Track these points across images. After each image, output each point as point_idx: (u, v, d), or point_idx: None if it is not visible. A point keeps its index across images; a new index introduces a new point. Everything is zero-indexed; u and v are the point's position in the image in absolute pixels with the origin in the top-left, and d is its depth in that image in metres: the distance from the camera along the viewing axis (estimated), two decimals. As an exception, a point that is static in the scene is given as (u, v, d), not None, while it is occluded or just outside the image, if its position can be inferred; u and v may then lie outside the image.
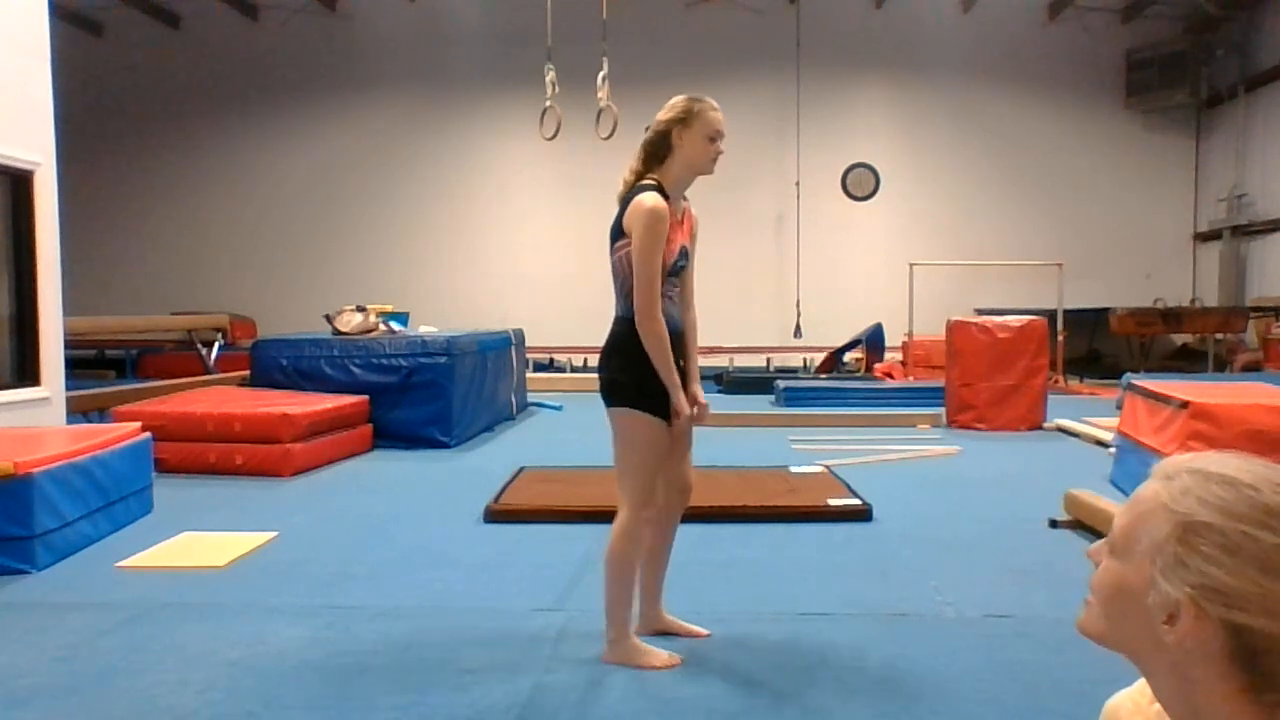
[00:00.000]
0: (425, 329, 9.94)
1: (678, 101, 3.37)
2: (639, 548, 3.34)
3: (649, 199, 3.22)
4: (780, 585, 4.17)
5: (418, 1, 17.19)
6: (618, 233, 3.34)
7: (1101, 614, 1.06)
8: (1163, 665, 1.00)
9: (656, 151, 3.33)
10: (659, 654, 3.26)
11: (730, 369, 15.48)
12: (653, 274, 3.20)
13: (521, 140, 15.59)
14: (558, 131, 10.55)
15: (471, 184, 17.60)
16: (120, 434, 5.44)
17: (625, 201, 3.33)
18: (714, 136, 3.31)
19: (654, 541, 3.50)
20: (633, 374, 3.25)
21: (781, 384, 12.09)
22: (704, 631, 3.51)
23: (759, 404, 11.72)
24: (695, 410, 3.37)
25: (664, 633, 3.49)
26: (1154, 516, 1.01)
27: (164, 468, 6.40)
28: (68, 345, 7.19)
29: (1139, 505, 1.04)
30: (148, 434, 5.69)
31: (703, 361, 14.38)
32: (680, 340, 3.37)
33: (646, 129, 3.40)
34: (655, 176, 3.31)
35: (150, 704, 2.92)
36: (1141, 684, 1.15)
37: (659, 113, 3.38)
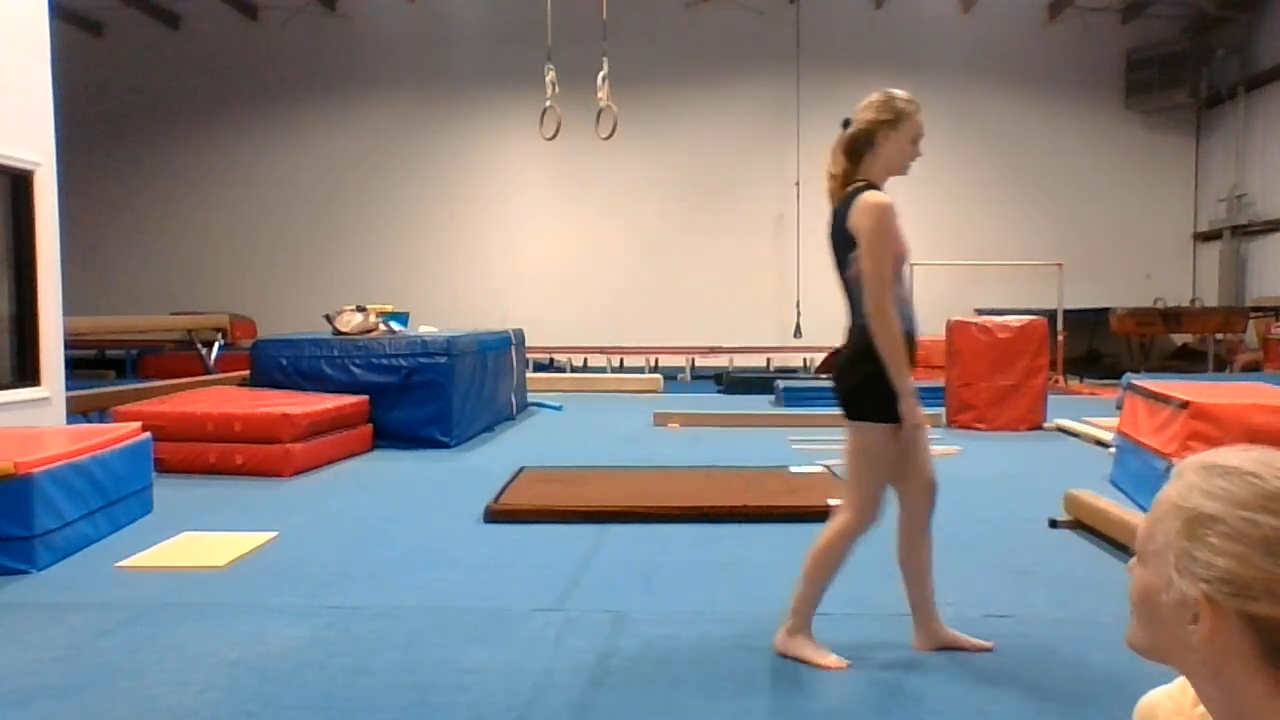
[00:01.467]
0: (425, 329, 9.94)
1: (886, 100, 3.26)
2: (845, 555, 3.28)
3: (876, 195, 3.16)
4: (780, 585, 4.15)
5: (418, 1, 17.20)
6: (848, 243, 3.18)
7: (1137, 624, 1.07)
8: (1199, 669, 1.01)
9: (857, 148, 3.24)
10: (829, 655, 3.22)
11: (730, 369, 15.48)
12: (884, 271, 3.10)
13: (521, 140, 15.61)
14: (558, 131, 10.56)
15: (471, 184, 17.61)
16: (120, 434, 5.43)
17: (845, 204, 3.20)
18: (917, 139, 3.23)
19: (912, 553, 3.35)
20: (873, 381, 3.15)
21: (781, 384, 12.08)
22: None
23: (759, 404, 11.73)
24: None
25: (947, 648, 3.32)
26: (1167, 516, 1.02)
27: (164, 468, 6.40)
28: (68, 345, 7.19)
29: (1155, 508, 1.05)
30: (148, 434, 5.68)
31: (702, 361, 14.38)
32: (914, 344, 3.28)
33: (845, 123, 3.30)
34: (863, 176, 3.22)
35: (150, 704, 2.92)
36: (1182, 683, 1.15)
37: (863, 107, 3.27)
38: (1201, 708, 1.07)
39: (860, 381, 3.19)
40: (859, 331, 3.22)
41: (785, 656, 3.25)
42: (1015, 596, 3.96)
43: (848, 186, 3.24)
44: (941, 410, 9.72)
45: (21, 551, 4.36)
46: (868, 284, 3.12)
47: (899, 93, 3.27)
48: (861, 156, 3.24)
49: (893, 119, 3.21)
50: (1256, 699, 0.96)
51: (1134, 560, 1.08)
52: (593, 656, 3.30)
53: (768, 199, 17.30)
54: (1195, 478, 1.01)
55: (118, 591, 4.11)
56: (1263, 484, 0.97)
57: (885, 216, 3.12)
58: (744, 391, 13.12)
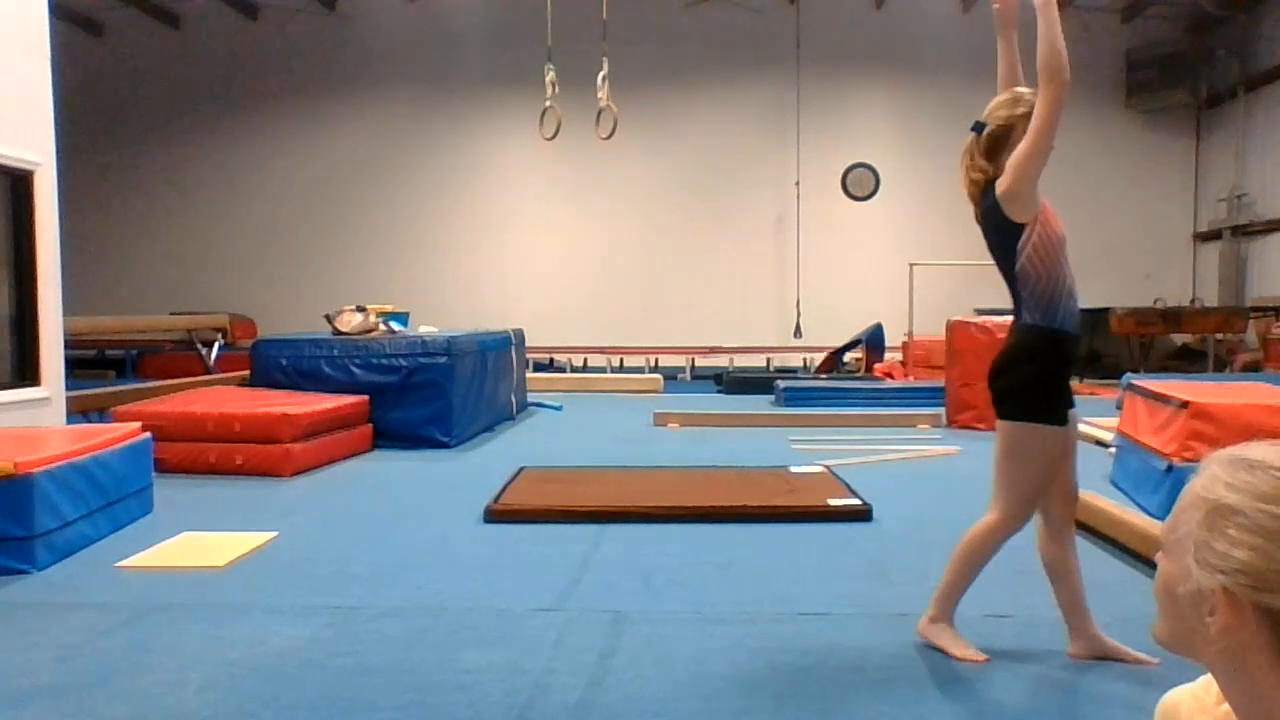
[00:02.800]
0: (425, 329, 9.94)
1: (1019, 96, 3.23)
2: (992, 554, 3.28)
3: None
4: (780, 585, 4.17)
5: (418, 1, 17.20)
6: (1012, 233, 3.18)
7: (1159, 616, 1.07)
8: (1219, 661, 1.01)
9: (997, 146, 3.21)
10: (968, 646, 3.23)
11: (730, 369, 15.48)
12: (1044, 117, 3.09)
13: (521, 140, 15.59)
14: (558, 131, 10.56)
15: (471, 184, 17.60)
16: (120, 434, 5.43)
17: (991, 199, 3.19)
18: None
19: (1059, 561, 3.29)
20: (1035, 383, 3.15)
21: (781, 384, 12.09)
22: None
23: (759, 404, 11.73)
24: None
25: (1106, 658, 3.20)
26: (1190, 507, 1.03)
27: (164, 468, 6.39)
28: (68, 345, 7.19)
29: (1181, 499, 1.06)
30: (148, 434, 5.68)
31: (702, 361, 14.40)
32: (1079, 343, 3.27)
33: (977, 124, 3.28)
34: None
35: (150, 704, 2.92)
36: (1205, 681, 1.14)
37: (995, 106, 3.25)
38: (1225, 706, 1.06)
39: (1017, 381, 3.19)
40: (1020, 330, 3.22)
41: (926, 642, 3.28)
42: (1015, 596, 3.96)
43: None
44: (941, 410, 9.73)
45: (21, 551, 4.36)
46: (1046, 117, 3.09)
47: (1027, 90, 3.24)
48: (999, 155, 3.20)
49: (1030, 113, 3.16)
50: (1276, 691, 0.96)
51: (1160, 552, 1.09)
52: (593, 656, 3.30)
53: (768, 199, 17.29)
54: (1220, 470, 1.02)
55: (118, 591, 4.12)
56: None
57: (1028, 145, 3.10)
58: (744, 391, 13.12)
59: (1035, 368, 3.16)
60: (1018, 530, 3.28)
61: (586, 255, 17.25)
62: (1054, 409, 3.16)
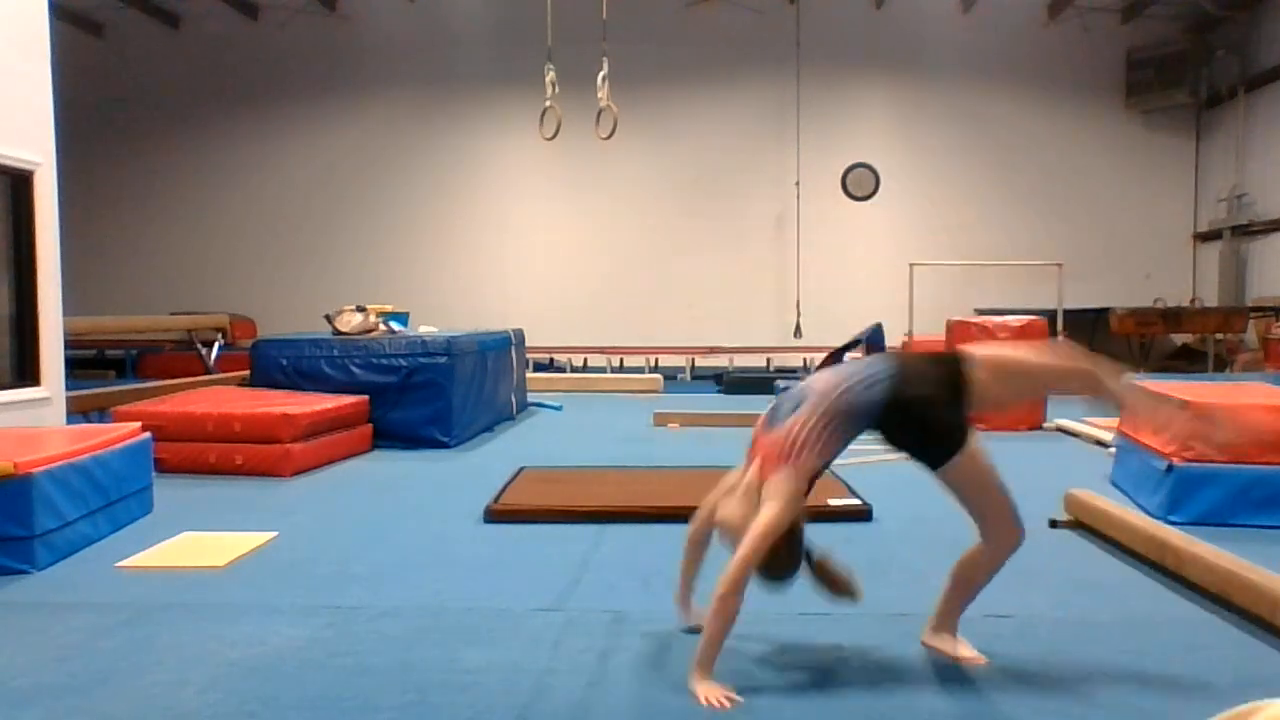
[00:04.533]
0: (425, 329, 9.94)
1: None
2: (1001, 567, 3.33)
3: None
4: (780, 585, 4.16)
5: (418, 1, 17.20)
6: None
7: None
8: None
9: None
10: (968, 648, 3.28)
11: (730, 369, 15.48)
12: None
13: (522, 140, 15.61)
14: (558, 131, 10.57)
15: (471, 184, 17.61)
16: (120, 434, 5.43)
17: None
18: None
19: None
20: (952, 412, 3.36)
21: (781, 384, 12.08)
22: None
23: (759, 404, 11.69)
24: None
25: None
26: None
27: (164, 468, 6.41)
28: (68, 345, 7.19)
29: None
30: (148, 434, 5.68)
31: (702, 362, 14.37)
32: None
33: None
34: None
35: (150, 704, 2.92)
36: None
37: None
38: None
39: (947, 421, 3.34)
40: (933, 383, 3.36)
41: (929, 647, 3.33)
42: (1015, 596, 3.96)
43: None
44: (941, 410, 9.72)
45: (21, 551, 4.36)
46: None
47: None
48: None
49: None
50: None
51: None
52: (593, 656, 3.30)
53: (768, 199, 17.30)
54: None
55: (118, 591, 4.12)
56: None
57: None
58: (744, 391, 13.11)
59: (949, 405, 3.33)
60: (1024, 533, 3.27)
61: (586, 255, 17.26)
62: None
